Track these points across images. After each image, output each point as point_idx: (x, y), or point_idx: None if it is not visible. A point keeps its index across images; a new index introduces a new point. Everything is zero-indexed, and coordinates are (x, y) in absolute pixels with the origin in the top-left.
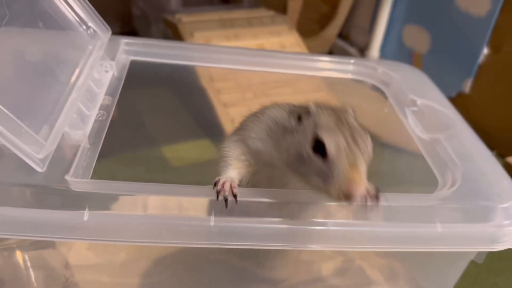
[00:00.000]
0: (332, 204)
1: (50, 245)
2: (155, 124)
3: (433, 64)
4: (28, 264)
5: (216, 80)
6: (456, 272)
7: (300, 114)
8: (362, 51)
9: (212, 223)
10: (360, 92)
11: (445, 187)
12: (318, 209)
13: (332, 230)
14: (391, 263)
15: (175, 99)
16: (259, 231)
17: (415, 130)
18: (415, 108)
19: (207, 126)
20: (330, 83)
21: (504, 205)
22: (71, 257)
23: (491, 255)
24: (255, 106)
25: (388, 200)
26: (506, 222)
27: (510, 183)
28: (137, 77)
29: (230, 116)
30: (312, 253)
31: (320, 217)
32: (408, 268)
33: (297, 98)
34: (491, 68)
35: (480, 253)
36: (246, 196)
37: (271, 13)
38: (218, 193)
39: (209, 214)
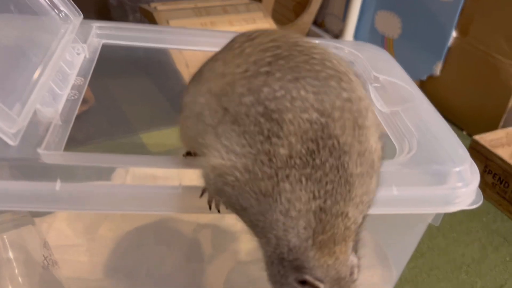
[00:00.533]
0: None
1: (29, 222)
2: (132, 110)
3: (404, 49)
4: (7, 244)
5: (191, 66)
6: (416, 236)
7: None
8: (337, 37)
9: (179, 191)
10: None
11: (402, 154)
12: None
13: None
14: None
15: (150, 84)
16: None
17: (377, 104)
18: (377, 84)
19: None
20: None
21: (457, 169)
22: (50, 236)
23: (460, 228)
24: None
25: None
26: (459, 184)
27: (464, 149)
28: (111, 62)
29: None
30: None
31: None
32: (374, 235)
33: None
34: (460, 51)
35: (436, 216)
36: None
37: (246, 0)
38: (210, 203)
39: (179, 182)
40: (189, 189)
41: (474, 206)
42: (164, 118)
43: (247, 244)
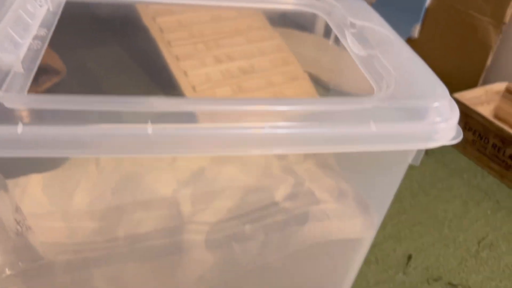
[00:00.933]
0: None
1: (2, 187)
2: (107, 79)
3: (382, 12)
4: None
5: (166, 31)
6: (396, 178)
7: None
8: None
9: (149, 131)
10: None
11: (379, 92)
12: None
13: (267, 134)
14: (339, 184)
15: (123, 51)
16: (198, 137)
17: (353, 49)
18: (354, 30)
19: (160, 80)
20: (282, 32)
21: (436, 104)
22: (24, 204)
23: (441, 185)
24: (208, 59)
25: (322, 104)
26: (438, 119)
27: (443, 86)
28: (78, 25)
29: (182, 69)
30: (265, 178)
31: (255, 120)
32: (354, 184)
33: (250, 48)
34: (437, 12)
35: (416, 155)
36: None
37: None
38: None
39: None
40: (159, 130)
41: (454, 141)
42: (139, 88)
43: (228, 201)
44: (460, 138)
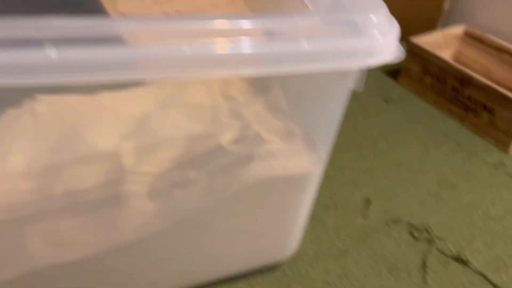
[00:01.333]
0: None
1: None
2: None
3: None
4: None
5: (120, 2)
6: (338, 106)
7: None
8: None
9: (53, 56)
10: None
11: (314, 10)
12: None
13: (190, 56)
14: (287, 124)
15: (64, 10)
16: (112, 59)
17: None
18: None
19: None
20: None
21: (372, 17)
22: None
23: (401, 131)
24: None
25: (253, 23)
26: (375, 32)
27: (381, 2)
28: None
29: None
30: (211, 123)
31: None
32: (301, 123)
33: (201, 1)
34: None
35: (358, 80)
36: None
37: None
38: None
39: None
40: (68, 52)
41: (395, 59)
42: None
43: (172, 150)
44: (401, 55)
